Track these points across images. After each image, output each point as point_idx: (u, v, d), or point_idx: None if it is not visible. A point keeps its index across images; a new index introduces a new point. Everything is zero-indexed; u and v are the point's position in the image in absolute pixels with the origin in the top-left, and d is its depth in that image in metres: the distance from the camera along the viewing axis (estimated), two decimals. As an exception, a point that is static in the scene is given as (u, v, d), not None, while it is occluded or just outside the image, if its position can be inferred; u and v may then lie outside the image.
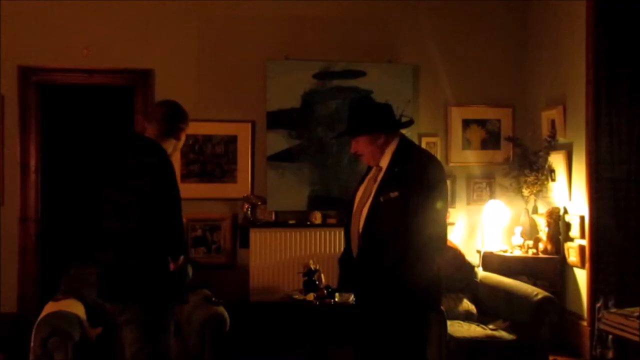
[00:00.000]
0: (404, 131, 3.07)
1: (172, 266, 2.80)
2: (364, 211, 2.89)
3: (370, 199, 2.87)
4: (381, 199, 2.83)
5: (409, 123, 3.13)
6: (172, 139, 3.00)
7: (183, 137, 3.07)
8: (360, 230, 2.88)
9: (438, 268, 2.89)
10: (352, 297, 4.43)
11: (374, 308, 2.87)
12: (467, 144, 5.70)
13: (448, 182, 5.55)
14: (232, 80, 5.34)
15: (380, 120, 2.94)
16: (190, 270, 3.26)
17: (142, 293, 2.81)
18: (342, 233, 3.15)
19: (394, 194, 2.80)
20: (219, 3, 5.36)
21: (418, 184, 2.79)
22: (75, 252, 4.64)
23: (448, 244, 4.98)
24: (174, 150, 3.06)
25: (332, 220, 5.32)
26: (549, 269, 4.99)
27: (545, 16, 5.47)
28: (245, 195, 5.27)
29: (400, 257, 2.77)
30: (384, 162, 2.93)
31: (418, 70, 5.60)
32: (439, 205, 2.83)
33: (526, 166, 5.30)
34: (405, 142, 2.99)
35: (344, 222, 3.12)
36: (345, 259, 3.08)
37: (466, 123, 5.69)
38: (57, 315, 3.67)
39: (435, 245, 2.84)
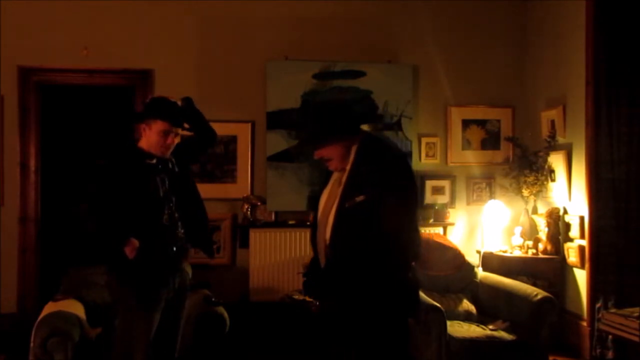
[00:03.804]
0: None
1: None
2: (330, 218, 2.68)
3: (336, 204, 2.66)
4: (347, 204, 2.61)
5: (370, 117, 2.97)
6: (143, 125, 3.14)
7: (154, 126, 3.11)
8: (328, 239, 2.68)
9: (413, 274, 2.73)
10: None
11: (346, 319, 2.67)
12: (467, 144, 5.70)
13: (447, 182, 5.61)
14: (232, 81, 5.34)
15: (345, 121, 2.73)
16: (189, 270, 3.30)
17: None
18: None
19: (359, 198, 2.57)
20: (219, 3, 5.36)
21: (385, 185, 2.57)
22: (74, 253, 4.66)
23: (448, 244, 5.00)
24: (152, 137, 3.11)
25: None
26: (548, 269, 5.00)
27: (545, 16, 5.47)
28: (245, 195, 5.27)
29: (371, 266, 2.56)
30: (349, 164, 2.71)
31: (418, 70, 5.60)
32: (409, 207, 2.65)
33: (526, 166, 5.30)
34: (369, 140, 2.76)
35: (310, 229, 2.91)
36: (312, 269, 2.89)
37: (466, 123, 5.69)
38: (57, 316, 3.68)
39: (408, 251, 2.64)
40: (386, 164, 2.66)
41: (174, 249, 3.13)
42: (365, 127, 2.87)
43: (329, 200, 2.73)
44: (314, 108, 2.95)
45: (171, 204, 3.14)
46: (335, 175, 2.77)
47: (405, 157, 2.83)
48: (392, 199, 2.56)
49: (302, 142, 2.98)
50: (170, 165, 3.20)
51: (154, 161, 3.14)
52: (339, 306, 2.68)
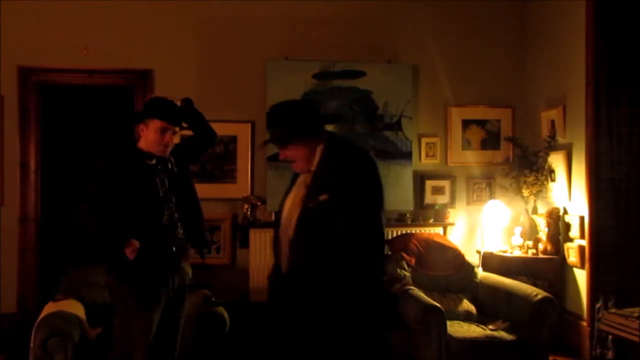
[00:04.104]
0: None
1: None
2: (292, 220, 2.58)
3: (300, 205, 2.57)
4: (310, 204, 2.52)
5: (337, 117, 2.90)
6: (142, 125, 3.16)
7: (150, 125, 3.13)
8: (290, 242, 2.58)
9: (379, 276, 2.67)
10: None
11: (313, 329, 2.56)
12: (466, 144, 5.70)
13: (447, 182, 5.61)
14: (232, 81, 5.34)
15: (309, 121, 2.64)
16: (189, 270, 3.30)
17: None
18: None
19: (323, 198, 2.49)
20: (219, 3, 5.36)
21: (349, 185, 2.50)
22: (74, 253, 4.66)
23: (448, 244, 5.00)
24: (150, 135, 3.13)
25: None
26: (548, 269, 4.99)
27: (545, 16, 5.47)
28: (245, 195, 5.27)
29: (335, 271, 2.46)
30: (314, 164, 2.62)
31: (418, 70, 5.60)
32: (373, 207, 2.56)
33: (526, 166, 5.30)
34: (334, 139, 2.68)
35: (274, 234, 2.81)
36: (274, 276, 2.78)
37: (466, 123, 5.69)
38: (57, 316, 3.68)
39: (374, 254, 2.56)
40: (351, 164, 2.58)
41: (174, 249, 3.13)
42: (330, 127, 2.80)
43: (294, 202, 2.64)
44: (275, 108, 2.72)
45: (171, 204, 3.15)
46: (301, 178, 2.70)
47: (370, 158, 2.71)
48: (356, 199, 2.49)
49: (266, 142, 2.81)
50: (169, 166, 3.21)
51: (154, 162, 3.16)
52: (306, 311, 2.57)
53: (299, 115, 2.66)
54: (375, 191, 2.58)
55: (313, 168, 2.61)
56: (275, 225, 2.77)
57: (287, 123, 2.64)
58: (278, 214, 2.75)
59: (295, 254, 2.57)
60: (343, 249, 2.46)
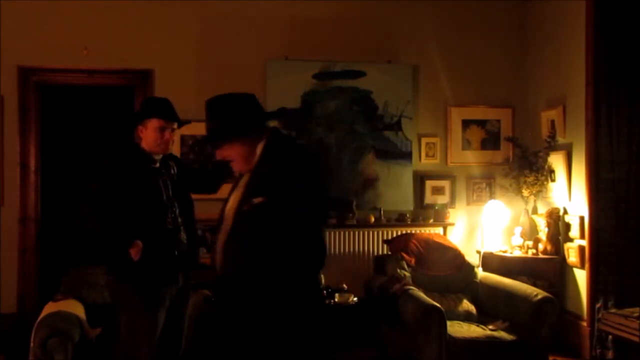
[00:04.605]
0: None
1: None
2: (228, 224, 2.40)
3: (234, 208, 2.39)
4: (244, 207, 2.34)
5: (280, 113, 2.64)
6: (140, 126, 3.17)
7: (149, 124, 3.14)
8: (223, 246, 2.40)
9: (315, 283, 2.46)
10: (353, 298, 4.45)
11: (246, 343, 2.38)
12: (466, 145, 5.70)
13: (447, 182, 5.60)
14: (232, 80, 5.33)
15: (246, 117, 2.41)
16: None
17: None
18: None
19: (257, 200, 2.30)
20: (219, 3, 5.36)
21: (286, 188, 2.29)
22: (74, 253, 4.66)
23: (448, 244, 5.00)
24: (150, 135, 3.13)
25: (332, 221, 5.31)
26: (548, 270, 4.99)
27: (545, 16, 5.47)
28: (245, 195, 5.26)
29: (266, 280, 2.29)
30: (254, 164, 2.42)
31: (418, 70, 5.60)
32: (312, 213, 2.35)
33: (526, 166, 5.30)
34: (276, 137, 2.47)
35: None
36: (200, 317, 2.60)
37: (466, 123, 5.69)
38: (57, 316, 3.67)
39: (312, 263, 2.37)
40: (290, 165, 2.36)
41: (176, 252, 3.14)
42: (274, 123, 2.55)
43: (232, 205, 2.44)
44: (209, 103, 2.44)
45: (174, 208, 3.17)
46: (243, 178, 2.48)
47: (314, 157, 2.50)
48: (293, 201, 2.28)
49: (206, 138, 2.47)
50: (172, 171, 3.24)
51: (158, 165, 3.18)
52: (239, 317, 2.38)
53: (235, 111, 2.42)
54: (314, 195, 2.35)
55: (252, 168, 2.42)
56: (214, 228, 2.53)
57: (222, 120, 2.40)
58: (219, 216, 2.51)
59: (227, 260, 2.38)
60: (274, 256, 2.27)
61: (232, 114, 2.41)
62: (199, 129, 4.92)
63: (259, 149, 2.42)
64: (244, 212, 2.34)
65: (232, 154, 2.43)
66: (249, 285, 2.32)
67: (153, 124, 3.13)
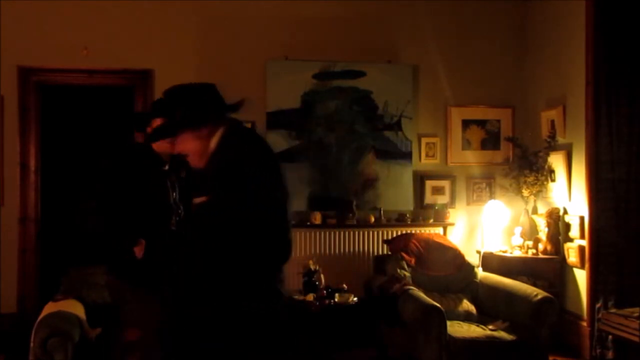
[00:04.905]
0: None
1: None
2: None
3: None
4: (198, 203, 2.24)
5: (238, 105, 2.37)
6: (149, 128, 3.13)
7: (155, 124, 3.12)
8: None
9: (275, 286, 2.26)
10: (353, 298, 4.44)
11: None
12: (466, 145, 5.70)
13: (447, 182, 5.60)
14: (232, 80, 5.31)
15: (201, 107, 2.26)
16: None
17: None
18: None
19: (201, 199, 2.20)
20: (219, 3, 5.36)
21: (238, 184, 2.12)
22: (75, 253, 4.65)
23: (448, 244, 5.00)
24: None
25: (332, 221, 5.32)
26: (548, 270, 5.00)
27: (545, 16, 5.47)
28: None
29: (217, 278, 2.15)
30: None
31: (418, 70, 5.60)
32: (268, 209, 2.16)
33: (526, 166, 5.30)
34: (233, 130, 2.29)
35: None
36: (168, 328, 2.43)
37: (466, 123, 5.69)
38: (56, 316, 3.67)
39: (270, 262, 2.20)
40: (244, 159, 2.19)
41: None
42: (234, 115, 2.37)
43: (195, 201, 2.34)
44: (163, 94, 2.31)
45: (180, 211, 3.17)
46: None
47: (271, 152, 2.32)
48: (245, 199, 2.12)
49: (158, 131, 2.36)
50: (181, 174, 3.25)
51: (166, 167, 3.19)
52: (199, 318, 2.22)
53: (182, 101, 2.26)
54: (269, 190, 2.18)
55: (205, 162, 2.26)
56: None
57: (169, 110, 2.26)
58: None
59: (180, 264, 2.27)
60: (227, 253, 2.12)
61: (179, 104, 2.26)
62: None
63: (214, 141, 2.24)
64: (198, 208, 2.25)
65: (184, 147, 2.27)
66: (199, 284, 2.19)
67: (158, 123, 3.12)
